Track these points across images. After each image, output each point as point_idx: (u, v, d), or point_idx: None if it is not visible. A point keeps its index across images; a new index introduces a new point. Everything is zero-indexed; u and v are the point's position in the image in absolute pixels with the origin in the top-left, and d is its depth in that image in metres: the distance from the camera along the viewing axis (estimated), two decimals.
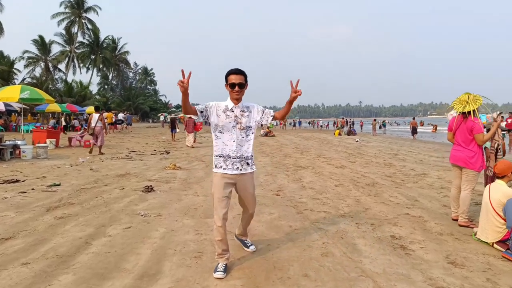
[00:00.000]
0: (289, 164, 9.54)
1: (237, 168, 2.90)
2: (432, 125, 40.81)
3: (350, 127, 29.31)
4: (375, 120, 32.86)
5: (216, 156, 2.93)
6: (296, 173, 7.97)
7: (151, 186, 5.98)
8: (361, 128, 42.19)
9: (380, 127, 38.10)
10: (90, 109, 30.19)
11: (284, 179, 7.21)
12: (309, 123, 61.69)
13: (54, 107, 26.96)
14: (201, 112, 2.85)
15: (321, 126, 49.55)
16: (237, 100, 2.86)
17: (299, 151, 13.65)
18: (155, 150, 13.12)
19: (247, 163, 2.96)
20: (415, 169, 8.84)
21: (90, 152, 11.37)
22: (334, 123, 46.98)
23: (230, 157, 2.88)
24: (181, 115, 21.99)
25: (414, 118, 25.79)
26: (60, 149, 13.19)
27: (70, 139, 14.26)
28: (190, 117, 16.28)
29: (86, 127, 15.74)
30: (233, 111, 2.87)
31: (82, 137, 14.47)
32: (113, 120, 27.59)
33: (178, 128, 20.75)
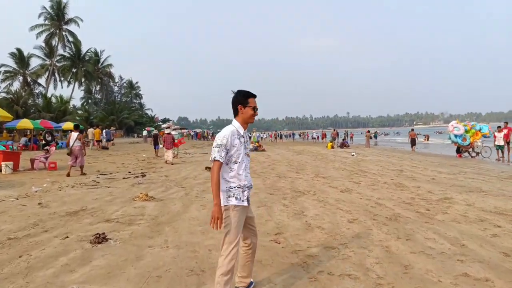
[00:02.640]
0: (285, 189, 8.06)
1: (248, 198, 2.72)
2: (424, 135, 40.19)
3: (344, 139, 28.10)
4: (368, 131, 31.78)
5: (235, 187, 2.62)
6: (295, 202, 6.50)
7: (104, 234, 4.39)
8: (352, 140, 41.25)
9: (370, 138, 37.13)
10: (67, 125, 28.34)
11: (283, 212, 5.71)
12: (299, 135, 60.55)
13: (26, 123, 25.00)
14: (223, 157, 2.57)
15: (314, 138, 48.30)
16: (247, 124, 2.74)
17: (294, 169, 12.21)
18: (129, 172, 11.48)
19: None
20: (433, 192, 7.48)
21: (68, 175, 10.39)
22: (325, 135, 45.89)
23: (246, 187, 2.67)
24: (161, 131, 20.44)
25: (412, 130, 24.76)
26: (18, 173, 11.42)
27: (32, 161, 12.48)
28: (168, 133, 14.84)
29: (47, 148, 14.07)
30: (243, 137, 2.72)
31: (46, 158, 12.72)
32: (101, 137, 25.89)
33: (161, 144, 19.13)
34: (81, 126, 36.03)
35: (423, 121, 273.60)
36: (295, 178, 9.85)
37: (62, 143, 25.41)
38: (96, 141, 24.87)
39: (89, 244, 4.13)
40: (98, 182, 9.35)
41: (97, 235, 4.31)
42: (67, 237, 4.43)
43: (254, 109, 2.70)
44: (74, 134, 10.84)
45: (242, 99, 2.68)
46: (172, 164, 14.60)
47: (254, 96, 2.73)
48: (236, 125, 2.68)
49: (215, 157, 2.53)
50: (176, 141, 15.59)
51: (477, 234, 4.46)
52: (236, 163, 2.61)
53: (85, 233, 4.59)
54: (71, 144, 10.64)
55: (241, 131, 2.68)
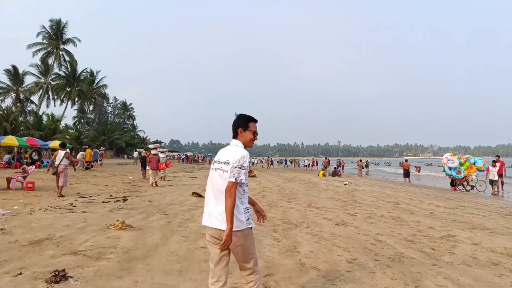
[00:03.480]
0: (276, 219, 7.47)
1: None
2: (415, 166, 40.13)
3: (336, 168, 27.72)
4: (360, 160, 31.51)
5: (247, 208, 2.51)
6: (287, 236, 5.91)
7: (64, 271, 3.73)
8: (343, 169, 40.93)
9: (362, 167, 36.84)
10: (54, 143, 27.53)
11: (273, 247, 5.12)
12: (290, 162, 60.17)
13: (11, 140, 24.18)
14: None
15: (306, 166, 47.76)
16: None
17: (286, 198, 11.65)
18: (111, 196, 10.78)
19: None
20: (435, 228, 6.98)
21: (60, 194, 10.24)
22: (315, 163, 45.52)
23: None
24: (147, 151, 19.83)
25: (406, 160, 24.49)
26: None
27: (8, 180, 11.70)
28: (155, 154, 14.29)
29: (24, 167, 13.35)
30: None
31: (24, 178, 11.97)
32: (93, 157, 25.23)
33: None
34: (68, 145, 35.46)
35: (412, 153, 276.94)
36: (287, 208, 9.28)
37: (47, 162, 24.53)
38: (87, 161, 24.23)
39: (44, 284, 3.48)
40: (75, 206, 8.65)
41: (56, 273, 3.66)
42: (21, 273, 3.76)
43: (254, 133, 2.67)
44: (61, 153, 10.43)
45: (243, 123, 2.65)
46: (156, 186, 14.09)
47: (255, 121, 2.72)
48: (242, 146, 2.61)
49: (242, 179, 2.41)
50: (160, 163, 15.03)
51: (494, 282, 3.94)
52: (247, 185, 2.56)
53: (43, 268, 3.93)
54: (56, 162, 10.21)
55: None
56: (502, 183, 15.64)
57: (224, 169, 2.48)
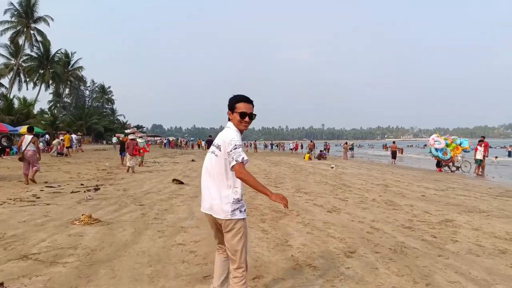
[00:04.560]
0: (263, 207, 6.89)
1: None
2: (398, 148, 40.38)
3: (321, 151, 27.40)
4: (346, 143, 31.30)
5: (241, 200, 2.43)
6: (277, 226, 5.34)
7: (2, 285, 3.03)
8: (328, 152, 40.85)
9: (348, 149, 36.80)
10: (24, 129, 26.02)
11: (262, 241, 4.53)
12: (276, 145, 59.73)
13: None
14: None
15: (291, 149, 47.22)
16: (242, 131, 2.45)
17: (272, 182, 11.09)
18: (82, 185, 9.92)
19: None
20: (430, 212, 6.57)
21: (27, 183, 9.66)
22: (298, 146, 45.23)
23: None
24: (124, 136, 18.81)
25: (394, 142, 24.35)
26: None
27: None
28: (132, 139, 13.42)
29: None
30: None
31: None
32: (70, 143, 23.97)
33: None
34: (40, 130, 33.71)
35: (393, 135, 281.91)
36: None
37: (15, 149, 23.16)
38: (66, 147, 23.06)
39: None
40: (39, 197, 7.80)
41: None
42: None
43: (241, 115, 2.41)
44: (28, 137, 9.77)
45: (229, 104, 2.47)
46: (133, 172, 13.37)
47: (245, 100, 2.45)
48: (234, 128, 2.43)
49: (243, 157, 2.25)
50: (139, 147, 14.22)
51: (509, 274, 3.48)
52: None
53: None
54: (23, 147, 9.64)
55: (240, 136, 2.42)
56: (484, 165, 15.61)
57: (216, 153, 2.39)
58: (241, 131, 2.46)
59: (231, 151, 2.27)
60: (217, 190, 2.38)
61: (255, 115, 2.50)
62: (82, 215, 5.65)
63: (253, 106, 2.48)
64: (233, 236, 2.37)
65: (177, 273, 3.43)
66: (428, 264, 3.72)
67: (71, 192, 8.57)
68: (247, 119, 2.43)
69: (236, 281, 2.38)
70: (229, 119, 2.50)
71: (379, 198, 8.22)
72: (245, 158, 2.24)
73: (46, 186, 9.53)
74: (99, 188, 9.24)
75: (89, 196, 7.82)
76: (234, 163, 2.23)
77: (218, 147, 2.39)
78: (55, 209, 6.57)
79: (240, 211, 2.39)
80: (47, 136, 32.14)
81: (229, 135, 2.35)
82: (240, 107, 2.42)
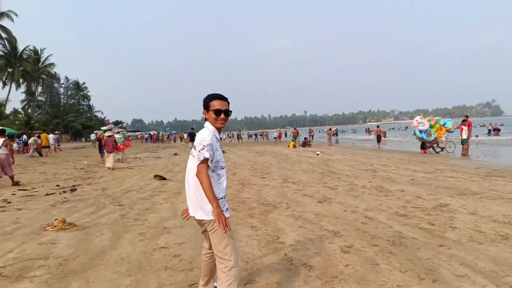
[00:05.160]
0: (251, 201, 6.58)
1: None
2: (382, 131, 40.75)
3: (306, 138, 27.25)
4: (330, 129, 31.23)
5: (221, 199, 2.34)
6: (266, 221, 5.03)
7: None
8: (312, 138, 40.87)
9: (332, 135, 36.92)
10: None
11: (252, 239, 4.20)
12: (260, 135, 59.39)
13: None
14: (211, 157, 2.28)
15: (275, 138, 46.83)
16: (219, 129, 2.47)
17: (259, 173, 10.79)
18: (58, 186, 9.35)
19: None
20: (422, 197, 6.41)
21: None
22: (281, 135, 45.10)
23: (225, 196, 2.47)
24: (101, 133, 18.07)
25: (378, 126, 24.39)
26: None
27: None
28: (109, 136, 12.82)
29: None
30: (219, 141, 2.50)
31: None
32: (50, 142, 23.06)
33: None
34: (13, 131, 32.26)
35: (375, 119, 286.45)
36: (261, 185, 8.41)
37: None
38: (44, 146, 22.08)
39: None
40: (9, 202, 7.24)
41: None
42: None
43: (216, 112, 2.42)
44: (0, 140, 9.38)
45: (204, 103, 2.49)
46: (112, 169, 12.81)
47: (219, 98, 2.46)
48: (210, 128, 2.44)
49: (205, 156, 2.22)
50: (118, 144, 13.62)
51: None
52: (223, 168, 2.44)
53: None
54: None
55: (217, 134, 2.46)
56: (468, 145, 15.74)
57: (193, 154, 2.41)
58: (218, 129, 2.48)
59: (199, 151, 2.28)
60: (197, 191, 2.35)
61: (231, 111, 2.51)
62: (55, 220, 5.19)
63: (228, 103, 2.49)
64: (216, 236, 2.33)
65: (160, 283, 3.08)
66: (430, 256, 3.49)
67: (45, 195, 8.03)
68: (222, 116, 2.43)
69: (225, 281, 2.28)
70: (206, 119, 2.50)
71: (368, 184, 8.04)
72: (207, 156, 2.23)
73: (19, 189, 8.93)
74: (76, 189, 8.71)
75: (65, 198, 7.30)
76: (197, 163, 2.24)
77: (194, 148, 2.40)
78: (27, 214, 6.07)
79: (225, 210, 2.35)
80: (24, 136, 30.83)
81: (201, 136, 2.36)
82: (214, 105, 2.43)
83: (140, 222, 5.27)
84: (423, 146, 17.24)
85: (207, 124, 2.48)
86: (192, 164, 2.40)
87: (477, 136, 27.45)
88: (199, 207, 2.35)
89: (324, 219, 5.06)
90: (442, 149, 16.94)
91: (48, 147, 22.72)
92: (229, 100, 2.51)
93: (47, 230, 4.93)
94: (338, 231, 4.38)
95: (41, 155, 21.53)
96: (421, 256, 3.50)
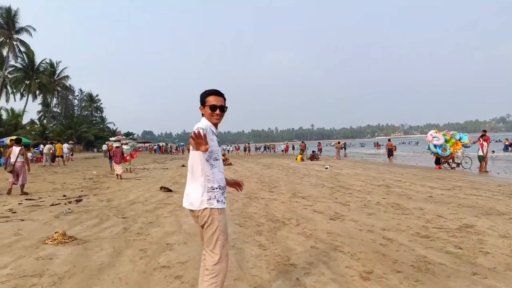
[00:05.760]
0: (258, 216, 6.26)
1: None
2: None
3: (313, 151, 26.86)
4: (338, 142, 30.80)
5: (215, 188, 2.38)
6: (275, 240, 4.70)
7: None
8: (320, 152, 40.39)
9: (341, 149, 36.33)
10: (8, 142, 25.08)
11: (260, 260, 3.88)
12: (267, 147, 59.13)
13: None
14: None
15: (283, 150, 46.53)
16: (216, 125, 2.50)
17: (266, 187, 10.48)
18: (64, 196, 9.19)
19: None
20: (444, 216, 6.00)
21: (9, 193, 9.46)
22: (288, 148, 44.73)
23: (224, 188, 2.47)
24: (110, 144, 18.04)
25: (389, 140, 23.81)
26: None
27: None
28: (117, 147, 12.76)
29: None
30: (216, 135, 2.50)
31: None
32: (63, 152, 23.41)
33: None
34: (29, 141, 32.70)
35: (384, 133, 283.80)
36: (269, 200, 8.09)
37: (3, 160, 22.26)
38: (57, 156, 22.34)
39: None
40: (14, 212, 7.08)
41: None
42: None
43: (212, 107, 2.43)
44: (16, 149, 9.72)
45: (201, 99, 2.48)
46: (121, 178, 12.73)
47: (215, 93, 2.47)
48: (207, 122, 2.43)
49: (198, 126, 2.30)
50: (125, 155, 13.54)
51: None
52: (217, 159, 2.42)
53: None
54: (12, 159, 9.58)
55: (213, 128, 2.45)
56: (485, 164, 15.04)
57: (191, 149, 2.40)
58: (215, 125, 2.48)
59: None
60: (192, 182, 2.40)
61: (227, 107, 2.50)
62: (55, 232, 4.95)
63: (224, 99, 2.49)
64: (208, 228, 2.32)
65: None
66: (464, 286, 3.11)
67: (50, 205, 7.86)
68: (217, 111, 2.44)
69: (207, 274, 2.28)
70: (202, 115, 2.52)
71: (383, 201, 7.65)
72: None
73: (26, 199, 8.80)
74: (82, 199, 8.53)
75: (69, 209, 7.09)
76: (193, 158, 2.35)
77: None
78: (29, 225, 5.86)
79: (218, 201, 2.36)
80: (41, 146, 31.32)
81: (197, 124, 2.39)
82: (210, 100, 2.44)
83: (142, 237, 4.99)
84: (438, 162, 16.69)
85: (203, 119, 2.50)
86: (191, 159, 2.41)
87: (493, 151, 26.65)
88: (194, 197, 2.36)
89: (338, 238, 4.71)
90: (458, 164, 16.35)
91: (62, 156, 22.92)
92: (225, 96, 2.52)
93: (47, 243, 4.69)
94: (355, 254, 4.02)
95: (53, 161, 21.84)
96: (453, 286, 3.12)
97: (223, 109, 2.48)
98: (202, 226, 2.39)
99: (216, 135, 2.50)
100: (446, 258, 3.82)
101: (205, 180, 2.35)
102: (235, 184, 2.78)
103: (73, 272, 3.64)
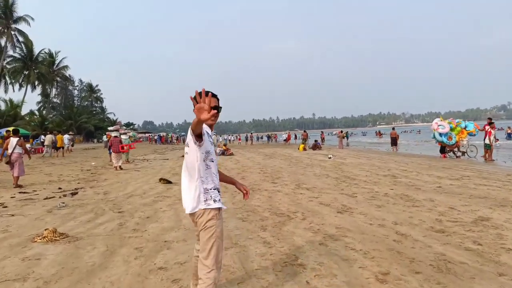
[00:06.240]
0: (262, 209, 5.95)
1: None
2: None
3: (316, 141, 26.49)
4: (341, 131, 30.39)
5: (211, 189, 2.34)
6: (281, 236, 4.39)
7: None
8: (323, 141, 40.01)
9: (343, 137, 35.92)
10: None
11: (265, 260, 3.58)
12: (268, 137, 58.76)
13: None
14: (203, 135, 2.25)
15: (285, 140, 46.15)
16: (211, 126, 2.44)
17: (269, 177, 10.16)
18: (60, 189, 8.89)
19: None
20: (456, 208, 5.68)
21: (16, 187, 9.29)
22: (290, 138, 44.41)
23: (219, 189, 2.42)
24: (108, 133, 17.78)
25: (393, 129, 23.34)
26: None
27: None
28: (115, 136, 12.45)
29: None
30: (211, 137, 2.44)
31: None
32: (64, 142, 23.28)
33: None
34: (26, 132, 32.38)
35: (385, 121, 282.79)
36: (273, 191, 7.78)
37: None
38: (58, 147, 22.16)
39: None
40: (6, 207, 6.78)
41: None
42: None
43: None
44: (13, 140, 9.57)
45: (194, 102, 2.32)
46: (120, 169, 12.49)
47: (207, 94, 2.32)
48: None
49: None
50: (123, 144, 13.24)
51: None
52: (213, 161, 2.37)
53: None
54: (9, 150, 9.43)
55: (208, 130, 2.39)
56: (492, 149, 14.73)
57: (186, 151, 2.35)
58: (210, 126, 2.43)
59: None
60: (187, 184, 2.36)
61: (221, 107, 2.51)
62: (45, 229, 4.64)
63: (217, 99, 2.46)
64: (205, 233, 2.25)
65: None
66: None
67: (44, 199, 7.56)
68: (212, 111, 2.39)
69: (201, 283, 2.21)
70: None
71: (391, 192, 7.34)
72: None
73: (19, 192, 8.51)
74: (77, 192, 8.23)
75: (62, 203, 6.78)
76: (190, 157, 2.30)
77: (187, 144, 2.35)
78: (19, 221, 5.56)
79: (215, 200, 2.31)
80: (42, 136, 31.08)
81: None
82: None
83: (138, 233, 4.69)
84: (443, 150, 16.32)
85: None
86: (186, 160, 2.35)
87: (497, 139, 26.24)
88: (189, 199, 2.31)
89: (348, 234, 4.40)
90: (464, 153, 16.00)
91: (62, 147, 22.75)
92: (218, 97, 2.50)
93: (35, 241, 4.38)
94: (368, 252, 3.71)
95: (56, 150, 21.76)
96: None
97: (218, 109, 2.44)
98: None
99: (211, 137, 2.45)
100: (466, 256, 3.51)
101: (200, 182, 2.31)
102: (242, 188, 2.73)
103: (61, 275, 3.34)
